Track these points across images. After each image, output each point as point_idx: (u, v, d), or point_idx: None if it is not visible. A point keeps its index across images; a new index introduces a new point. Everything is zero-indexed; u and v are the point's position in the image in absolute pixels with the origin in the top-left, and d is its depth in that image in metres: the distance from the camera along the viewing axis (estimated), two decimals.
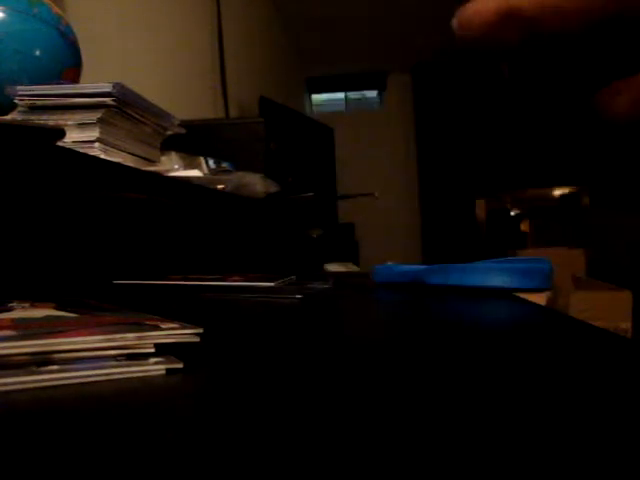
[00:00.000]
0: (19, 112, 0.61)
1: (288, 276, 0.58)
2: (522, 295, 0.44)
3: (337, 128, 4.00)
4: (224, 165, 1.12)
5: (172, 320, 0.26)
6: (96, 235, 0.69)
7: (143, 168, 0.65)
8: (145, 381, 0.22)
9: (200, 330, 0.25)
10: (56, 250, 0.61)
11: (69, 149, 0.47)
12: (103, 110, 0.60)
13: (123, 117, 0.64)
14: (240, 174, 0.99)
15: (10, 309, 0.32)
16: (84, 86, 0.62)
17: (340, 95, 5.17)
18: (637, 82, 0.24)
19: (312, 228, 1.33)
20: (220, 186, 0.90)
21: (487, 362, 0.24)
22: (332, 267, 1.85)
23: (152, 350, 0.23)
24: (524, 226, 4.29)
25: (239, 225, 1.04)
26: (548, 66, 0.22)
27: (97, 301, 0.36)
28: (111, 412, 0.18)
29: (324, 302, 0.49)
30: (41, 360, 0.21)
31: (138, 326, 0.25)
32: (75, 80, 0.75)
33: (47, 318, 0.28)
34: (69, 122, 0.60)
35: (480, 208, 4.41)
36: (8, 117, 0.61)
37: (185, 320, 0.26)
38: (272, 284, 0.53)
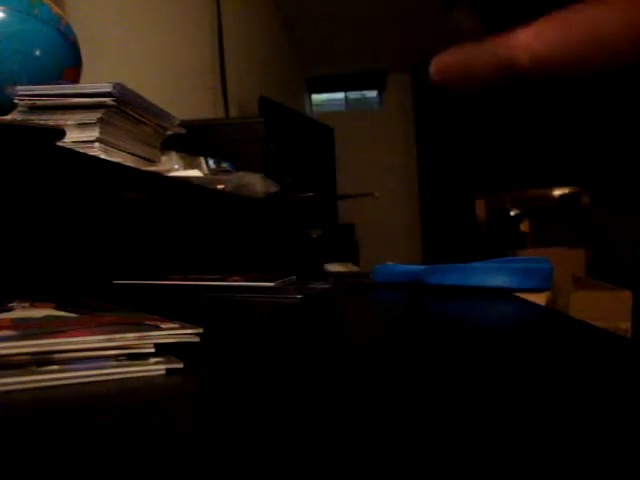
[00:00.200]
0: (19, 112, 0.61)
1: (288, 276, 0.58)
2: (522, 295, 0.44)
3: (337, 128, 4.00)
4: (224, 165, 1.12)
5: (172, 320, 0.26)
6: (96, 235, 0.69)
7: (143, 168, 0.65)
8: (145, 381, 0.22)
9: (200, 330, 0.25)
10: (56, 250, 0.61)
11: (69, 149, 0.47)
12: (103, 110, 0.60)
13: (123, 117, 0.64)
14: (240, 174, 0.99)
15: (10, 309, 0.32)
16: (84, 86, 0.62)
17: (340, 95, 5.17)
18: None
19: (312, 228, 1.33)
20: (220, 186, 0.90)
21: (487, 362, 0.24)
22: (332, 267, 1.85)
23: (152, 350, 0.23)
24: (524, 226, 4.29)
25: (239, 225, 1.04)
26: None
27: (97, 301, 0.36)
28: (111, 412, 0.18)
29: (324, 302, 0.49)
30: (41, 360, 0.21)
31: (138, 326, 0.25)
32: (75, 80, 0.75)
33: (47, 318, 0.28)
34: (69, 122, 0.60)
35: (480, 208, 4.41)
36: (8, 117, 0.61)
37: (185, 320, 0.26)
38: (272, 284, 0.53)
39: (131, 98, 0.63)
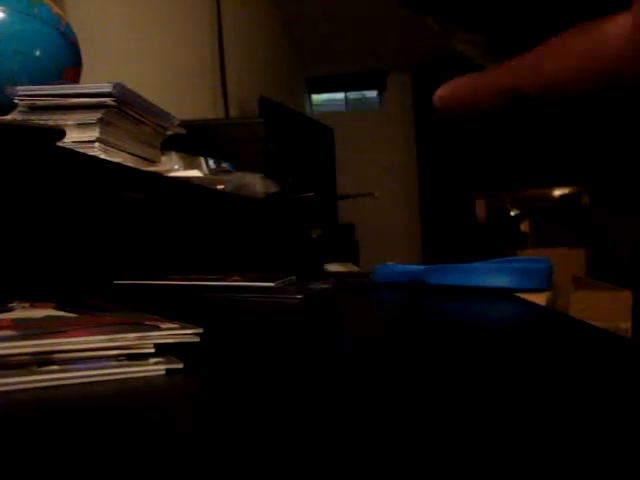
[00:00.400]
0: (19, 112, 0.61)
1: (288, 276, 0.58)
2: (522, 295, 0.44)
3: (337, 128, 4.00)
4: (224, 165, 1.12)
5: (172, 320, 0.26)
6: (96, 235, 0.69)
7: (143, 168, 0.65)
8: (145, 381, 0.22)
9: (200, 330, 0.25)
10: (56, 250, 0.61)
11: (69, 149, 0.47)
12: (103, 110, 0.60)
13: (123, 117, 0.64)
14: (240, 174, 1.00)
15: (10, 309, 0.32)
16: (84, 86, 0.62)
17: (340, 95, 5.17)
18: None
19: (312, 228, 1.33)
20: (220, 186, 0.90)
21: (487, 362, 0.24)
22: (332, 267, 1.85)
23: (152, 350, 0.23)
24: (524, 226, 4.30)
25: (239, 225, 1.04)
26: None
27: (97, 301, 0.36)
28: (111, 412, 0.18)
29: (324, 302, 0.50)
30: (42, 360, 0.21)
31: (138, 326, 0.25)
32: (75, 80, 0.75)
33: (47, 318, 0.28)
34: (69, 122, 0.60)
35: (480, 208, 4.41)
36: (8, 117, 0.61)
37: (185, 320, 0.26)
38: (272, 284, 0.53)
39: (131, 98, 0.63)
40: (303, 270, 0.72)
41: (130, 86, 0.62)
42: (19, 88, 0.60)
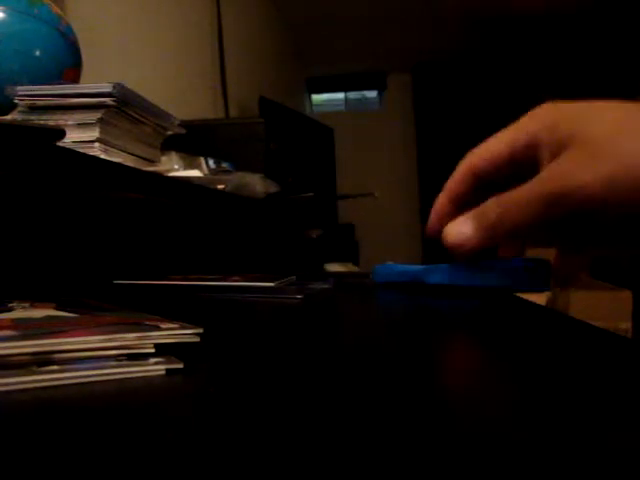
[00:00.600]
0: (19, 112, 0.61)
1: (288, 276, 0.58)
2: (522, 295, 0.44)
3: (337, 128, 4.00)
4: (224, 165, 1.12)
5: (172, 320, 0.26)
6: (96, 235, 0.69)
7: (143, 168, 0.65)
8: (145, 381, 0.22)
9: (200, 330, 0.25)
10: (56, 250, 0.61)
11: (69, 149, 0.47)
12: (103, 110, 0.60)
13: (123, 117, 0.64)
14: (240, 174, 1.00)
15: (10, 309, 0.32)
16: (84, 86, 0.62)
17: (340, 95, 5.17)
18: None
19: (312, 228, 1.33)
20: (220, 186, 0.90)
21: (486, 362, 0.24)
22: (332, 267, 1.85)
23: (152, 350, 0.23)
24: None
25: (239, 225, 1.04)
26: None
27: (97, 301, 0.36)
28: (111, 412, 0.18)
29: (325, 302, 0.50)
30: (42, 360, 0.21)
31: (138, 326, 0.25)
32: (75, 80, 0.75)
33: (47, 318, 0.28)
34: (69, 122, 0.60)
35: None
36: (8, 117, 0.61)
37: (185, 320, 0.26)
38: (272, 284, 0.53)
39: (131, 98, 0.63)
40: (303, 270, 0.72)
41: (130, 86, 0.62)
42: (19, 88, 0.60)
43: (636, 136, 0.28)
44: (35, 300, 0.35)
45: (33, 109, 0.61)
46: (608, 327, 0.28)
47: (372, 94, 5.19)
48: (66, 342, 0.22)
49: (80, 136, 0.59)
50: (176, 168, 0.91)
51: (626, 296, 2.08)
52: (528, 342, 0.28)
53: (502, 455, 0.13)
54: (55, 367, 0.21)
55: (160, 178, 0.67)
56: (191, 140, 0.94)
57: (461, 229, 0.37)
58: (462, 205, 0.39)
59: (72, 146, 0.54)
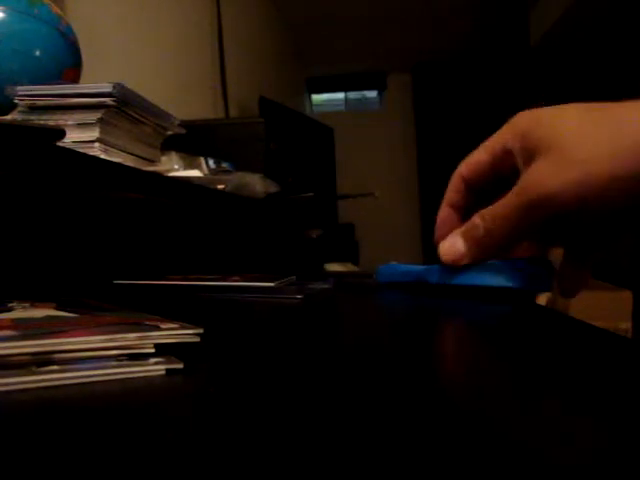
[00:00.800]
0: (19, 112, 0.61)
1: (288, 276, 0.58)
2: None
3: (337, 128, 4.00)
4: (224, 165, 1.12)
5: (172, 320, 0.26)
6: (96, 235, 0.69)
7: (143, 168, 0.65)
8: (145, 381, 0.22)
9: (200, 330, 0.25)
10: (56, 250, 0.61)
11: (69, 149, 0.47)
12: (103, 110, 0.60)
13: (123, 117, 0.64)
14: (240, 174, 1.00)
15: (10, 309, 0.32)
16: (84, 86, 0.62)
17: (340, 95, 5.17)
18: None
19: (312, 228, 1.33)
20: (220, 186, 0.90)
21: (486, 362, 0.24)
22: (332, 267, 1.85)
23: (152, 350, 0.23)
24: None
25: (239, 225, 1.04)
26: None
27: (97, 301, 0.36)
28: (112, 412, 0.18)
29: (325, 302, 0.49)
30: (42, 360, 0.21)
31: (138, 326, 0.25)
32: (75, 80, 0.75)
33: (47, 318, 0.28)
34: (69, 122, 0.60)
35: None
36: (8, 117, 0.61)
37: (185, 320, 0.26)
38: (272, 284, 0.53)
39: (131, 98, 0.63)
40: (303, 270, 0.72)
41: (130, 86, 0.62)
42: (19, 88, 0.60)
43: (599, 141, 0.29)
44: (35, 300, 0.35)
45: (33, 109, 0.61)
46: (608, 327, 0.28)
47: (372, 94, 5.19)
48: (66, 342, 0.22)
49: (80, 136, 0.59)
50: (176, 168, 0.91)
51: (626, 296, 2.07)
52: (528, 342, 0.28)
53: (502, 455, 0.13)
54: (55, 367, 0.21)
55: (160, 178, 0.67)
56: (191, 140, 0.94)
57: (454, 246, 0.39)
58: (466, 211, 0.40)
59: (72, 146, 0.54)
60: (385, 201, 4.14)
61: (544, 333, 0.31)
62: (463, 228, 0.38)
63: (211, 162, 1.07)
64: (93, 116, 0.60)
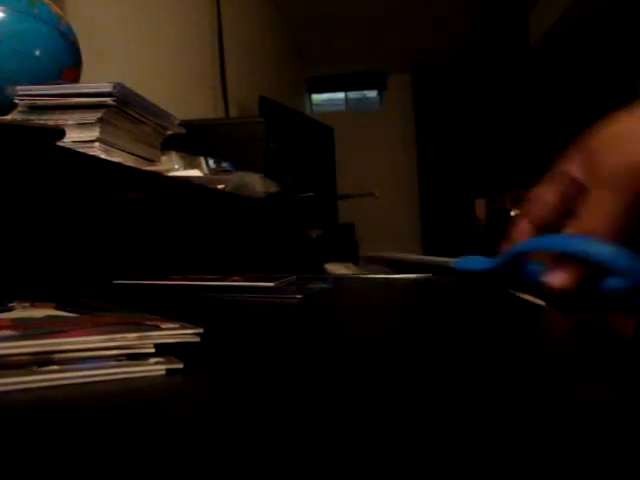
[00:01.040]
0: (19, 112, 0.61)
1: (288, 276, 0.58)
2: (522, 295, 0.44)
3: (337, 128, 4.00)
4: (224, 165, 1.12)
5: (172, 320, 0.26)
6: (96, 235, 0.69)
7: (143, 168, 0.65)
8: (145, 381, 0.22)
9: (200, 330, 0.25)
10: (56, 250, 0.61)
11: (69, 149, 0.47)
12: (103, 110, 0.60)
13: (123, 117, 0.64)
14: (240, 174, 0.99)
15: (10, 309, 0.32)
16: (84, 86, 0.62)
17: (340, 95, 5.17)
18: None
19: (312, 228, 1.33)
20: (220, 186, 0.90)
21: (486, 362, 0.24)
22: (332, 267, 1.85)
23: (152, 350, 0.23)
24: None
25: (239, 225, 1.04)
26: None
27: (97, 301, 0.36)
28: (112, 412, 0.18)
29: (324, 302, 0.49)
30: (42, 360, 0.21)
31: (138, 326, 0.25)
32: (75, 80, 0.75)
33: (47, 318, 0.28)
34: (69, 122, 0.60)
35: (480, 208, 4.41)
36: (8, 117, 0.61)
37: (185, 320, 0.26)
38: (272, 284, 0.53)
39: (131, 98, 0.63)
40: (303, 270, 0.72)
41: (130, 86, 0.62)
42: (19, 88, 0.60)
43: None
44: (35, 300, 0.35)
45: (33, 109, 0.61)
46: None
47: (372, 94, 5.19)
48: (66, 342, 0.22)
49: (80, 136, 0.59)
50: (176, 168, 0.91)
51: None
52: (528, 342, 0.28)
53: (502, 455, 0.13)
54: (55, 367, 0.21)
55: (160, 178, 0.67)
56: (191, 140, 0.94)
57: (561, 276, 0.36)
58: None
59: (72, 146, 0.54)
60: (385, 201, 4.14)
61: (544, 333, 0.31)
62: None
63: (211, 162, 1.07)
64: (93, 116, 0.60)
